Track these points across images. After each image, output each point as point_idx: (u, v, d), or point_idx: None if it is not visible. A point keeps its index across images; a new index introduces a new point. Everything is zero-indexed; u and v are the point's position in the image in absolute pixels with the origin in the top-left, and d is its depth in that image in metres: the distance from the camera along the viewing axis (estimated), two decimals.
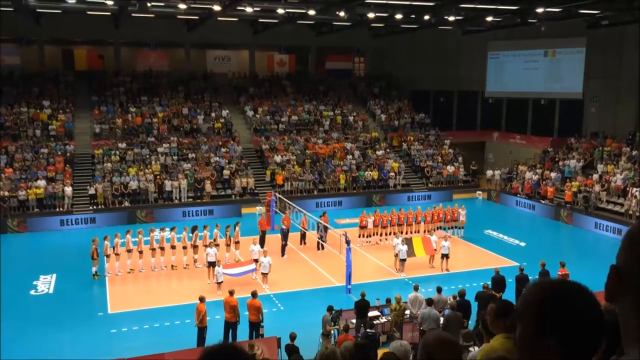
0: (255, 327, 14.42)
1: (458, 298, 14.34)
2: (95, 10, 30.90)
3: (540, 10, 27.17)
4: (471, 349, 10.04)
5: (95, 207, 28.65)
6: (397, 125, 38.94)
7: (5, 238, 24.92)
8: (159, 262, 20.78)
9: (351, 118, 38.66)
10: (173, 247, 20.92)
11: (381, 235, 24.35)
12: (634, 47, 31.67)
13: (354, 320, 14.40)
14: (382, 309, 15.29)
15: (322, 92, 40.98)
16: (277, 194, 28.18)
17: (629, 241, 1.31)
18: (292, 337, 12.19)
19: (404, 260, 20.15)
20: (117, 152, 31.47)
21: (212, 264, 18.99)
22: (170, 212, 28.64)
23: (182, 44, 39.82)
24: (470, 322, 13.83)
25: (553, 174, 31.51)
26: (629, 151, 30.36)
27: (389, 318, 14.91)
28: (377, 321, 14.63)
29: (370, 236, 24.14)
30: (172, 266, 20.84)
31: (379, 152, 35.55)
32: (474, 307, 14.32)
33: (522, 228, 28.17)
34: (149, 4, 27.01)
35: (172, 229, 21.36)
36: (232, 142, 34.22)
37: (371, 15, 28.82)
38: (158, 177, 30.10)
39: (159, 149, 32.36)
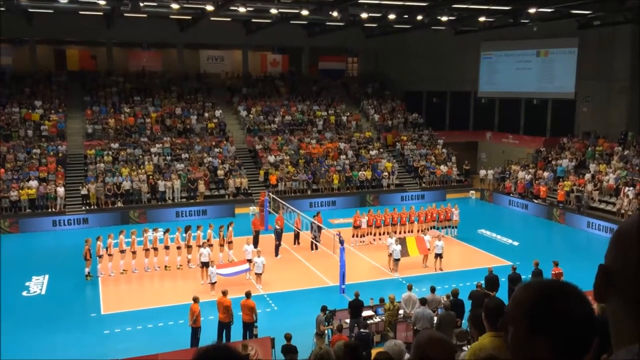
0: (249, 327, 14.39)
1: (451, 297, 14.35)
2: (87, 10, 30.79)
3: (532, 10, 27.29)
4: (464, 348, 10.08)
5: (87, 207, 28.53)
6: (391, 125, 38.98)
7: None
8: (152, 262, 20.72)
9: (344, 118, 38.66)
10: (166, 247, 20.85)
11: (375, 235, 24.36)
12: (625, 47, 31.87)
13: (347, 320, 14.41)
14: (375, 309, 15.30)
15: (315, 92, 40.98)
16: (270, 194, 28.17)
17: (617, 240, 1.30)
18: (288, 337, 12.14)
19: (397, 260, 20.18)
20: (110, 153, 31.32)
21: (205, 265, 18.95)
22: (163, 213, 28.57)
23: (175, 44, 39.70)
24: (463, 321, 13.85)
25: (546, 174, 31.63)
26: (620, 150, 30.53)
27: (383, 318, 14.91)
28: (371, 321, 14.65)
29: (364, 236, 24.15)
30: (166, 267, 20.78)
31: (373, 152, 35.56)
32: (468, 306, 14.34)
33: (515, 227, 28.27)
34: (141, 4, 26.90)
35: (165, 231, 21.29)
36: (225, 142, 34.15)
37: (364, 15, 28.85)
38: (151, 177, 29.99)
39: (152, 149, 32.25)
